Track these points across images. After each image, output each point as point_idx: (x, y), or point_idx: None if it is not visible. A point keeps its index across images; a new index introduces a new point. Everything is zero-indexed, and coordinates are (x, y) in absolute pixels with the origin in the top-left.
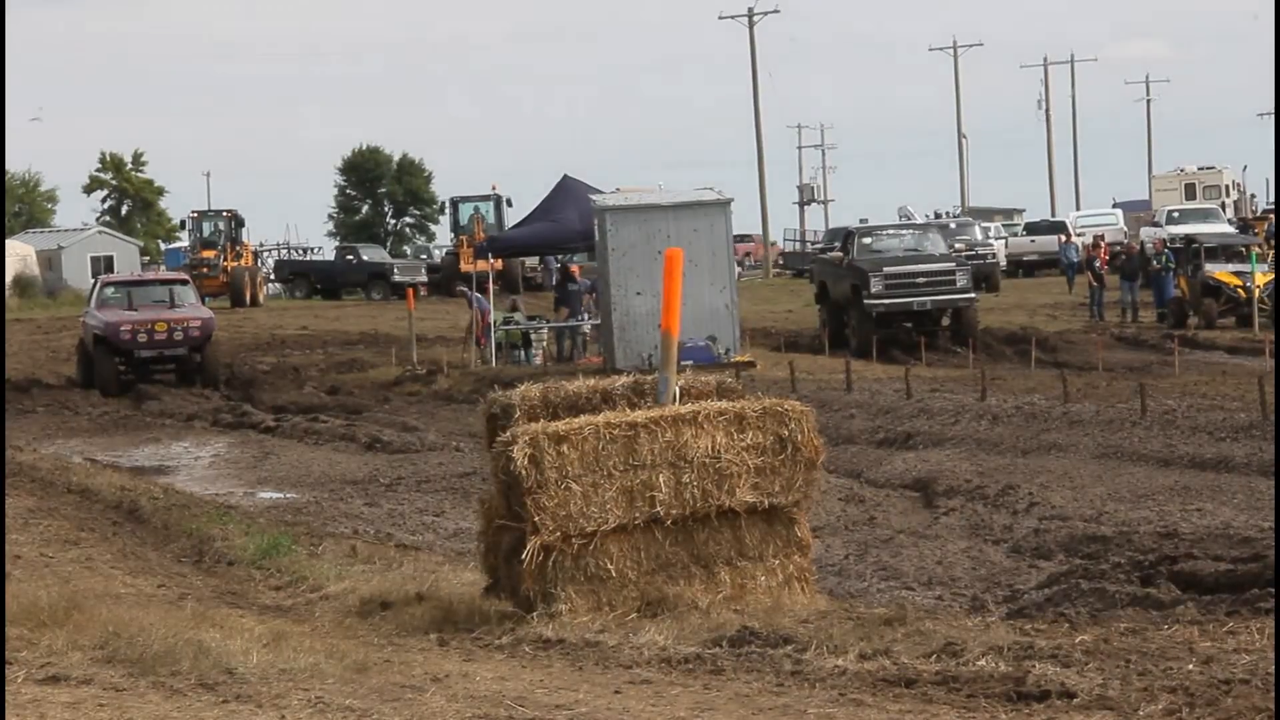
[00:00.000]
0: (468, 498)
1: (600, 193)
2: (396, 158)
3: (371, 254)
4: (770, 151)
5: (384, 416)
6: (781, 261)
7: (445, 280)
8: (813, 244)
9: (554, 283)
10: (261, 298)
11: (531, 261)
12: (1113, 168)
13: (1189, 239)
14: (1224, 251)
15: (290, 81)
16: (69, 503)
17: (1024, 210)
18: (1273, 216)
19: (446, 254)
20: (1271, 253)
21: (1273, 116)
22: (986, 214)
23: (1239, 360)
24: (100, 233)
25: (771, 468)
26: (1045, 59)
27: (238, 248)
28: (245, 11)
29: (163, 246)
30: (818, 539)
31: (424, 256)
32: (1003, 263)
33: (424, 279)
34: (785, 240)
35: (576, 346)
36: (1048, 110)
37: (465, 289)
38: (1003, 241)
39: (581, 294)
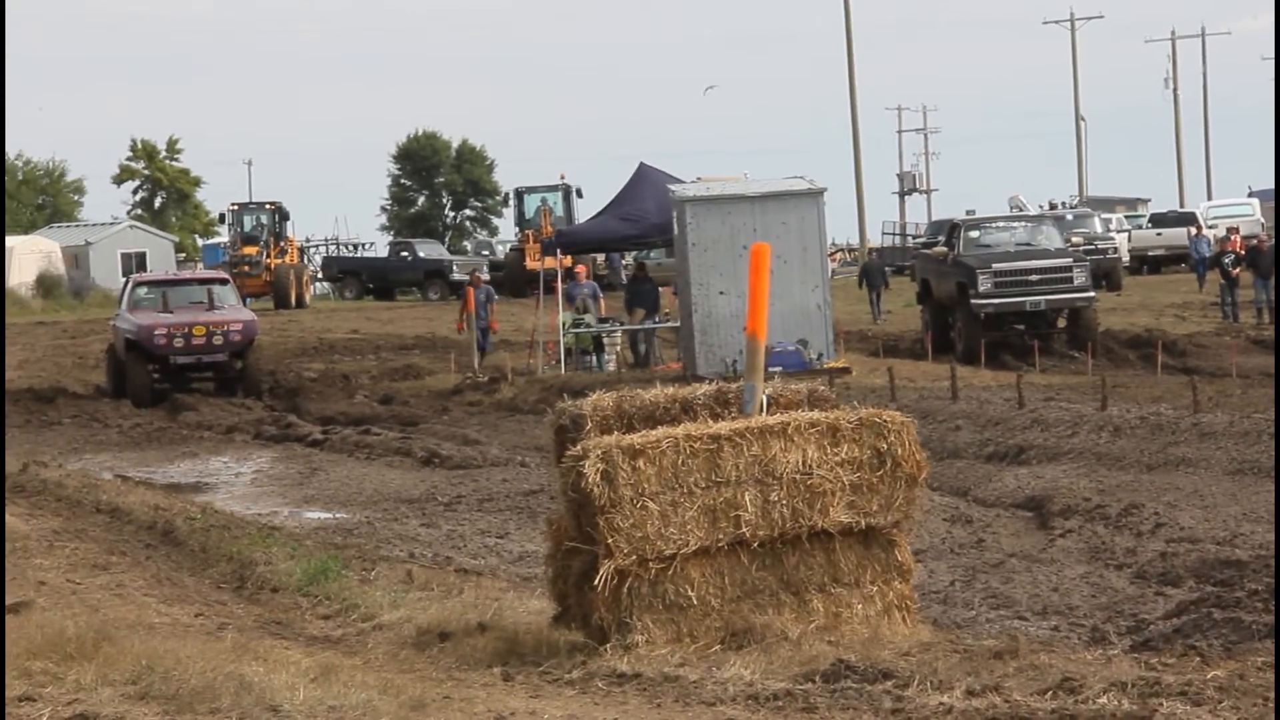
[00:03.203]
0: (534, 518)
1: (680, 182)
2: (456, 144)
3: (428, 250)
4: (867, 136)
5: (442, 429)
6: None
7: (510, 279)
8: (914, 238)
9: (624, 281)
10: (308, 298)
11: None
12: (1248, 152)
13: None
14: None
15: (339, 60)
16: (98, 524)
17: (1149, 200)
18: None
19: (511, 250)
20: None
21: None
22: (1107, 204)
23: None
24: (132, 227)
25: (869, 485)
26: (1173, 32)
27: (282, 243)
28: None
29: (200, 242)
30: (920, 563)
31: (486, 253)
32: (1125, 258)
33: (486, 277)
34: (884, 234)
35: (653, 351)
36: (1176, 89)
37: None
38: (1125, 235)
39: (595, 298)
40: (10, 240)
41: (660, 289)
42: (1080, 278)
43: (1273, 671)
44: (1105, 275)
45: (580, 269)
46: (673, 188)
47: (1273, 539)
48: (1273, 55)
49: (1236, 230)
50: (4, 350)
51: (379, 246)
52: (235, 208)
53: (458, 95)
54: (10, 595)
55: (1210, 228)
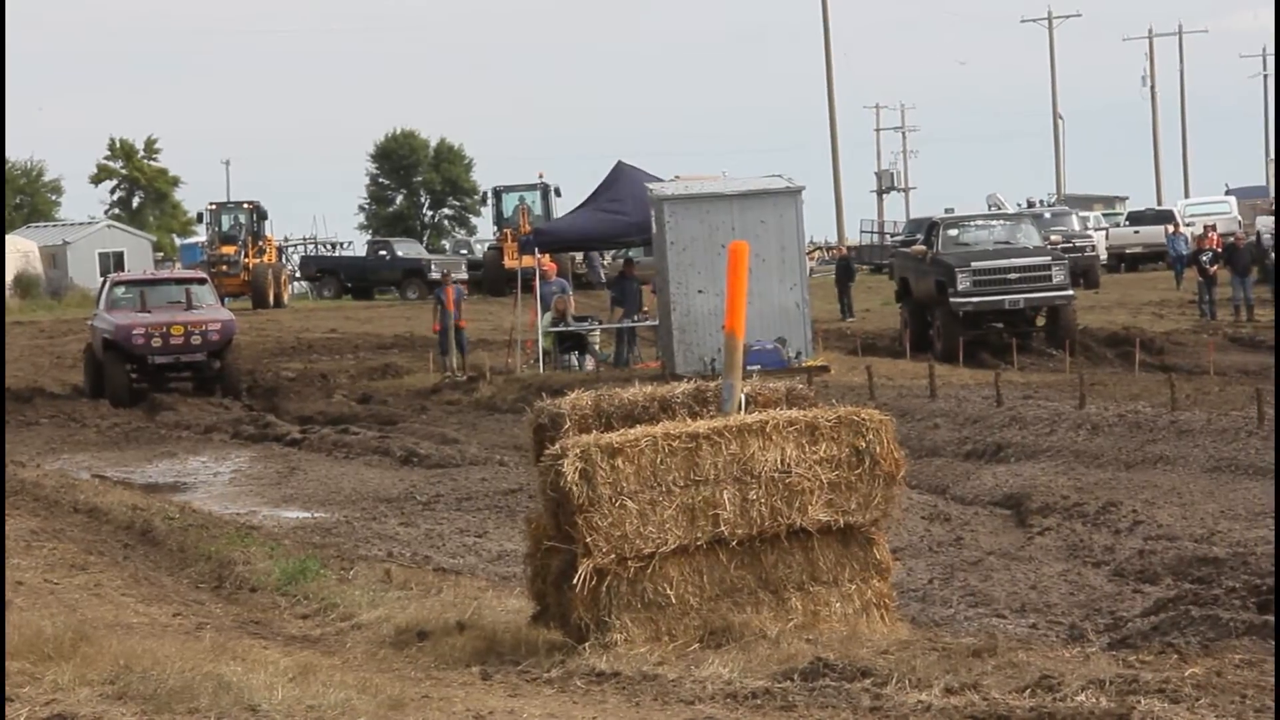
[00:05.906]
0: (513, 517)
1: (658, 180)
2: (433, 143)
3: (406, 249)
4: (845, 135)
5: (421, 428)
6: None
7: (489, 278)
8: (892, 236)
9: (604, 280)
10: (286, 298)
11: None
12: (1226, 151)
13: None
14: None
15: (317, 60)
16: (76, 523)
17: (1127, 198)
18: None
19: (489, 249)
20: None
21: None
22: (1085, 202)
23: None
24: (109, 227)
25: (847, 483)
26: (1150, 30)
27: (260, 243)
28: None
29: (178, 242)
30: (899, 561)
31: (464, 252)
32: (1103, 256)
33: (464, 276)
34: (862, 232)
35: (633, 350)
36: (1153, 87)
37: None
38: (1103, 233)
39: (565, 296)
40: None
41: (641, 287)
42: (1059, 276)
43: (1250, 669)
44: (1083, 273)
45: (549, 266)
46: (651, 186)
47: (1251, 536)
48: (1254, 54)
49: (1214, 228)
50: (4, 350)
51: (357, 246)
52: (213, 207)
53: (435, 94)
54: None
55: (1188, 225)
